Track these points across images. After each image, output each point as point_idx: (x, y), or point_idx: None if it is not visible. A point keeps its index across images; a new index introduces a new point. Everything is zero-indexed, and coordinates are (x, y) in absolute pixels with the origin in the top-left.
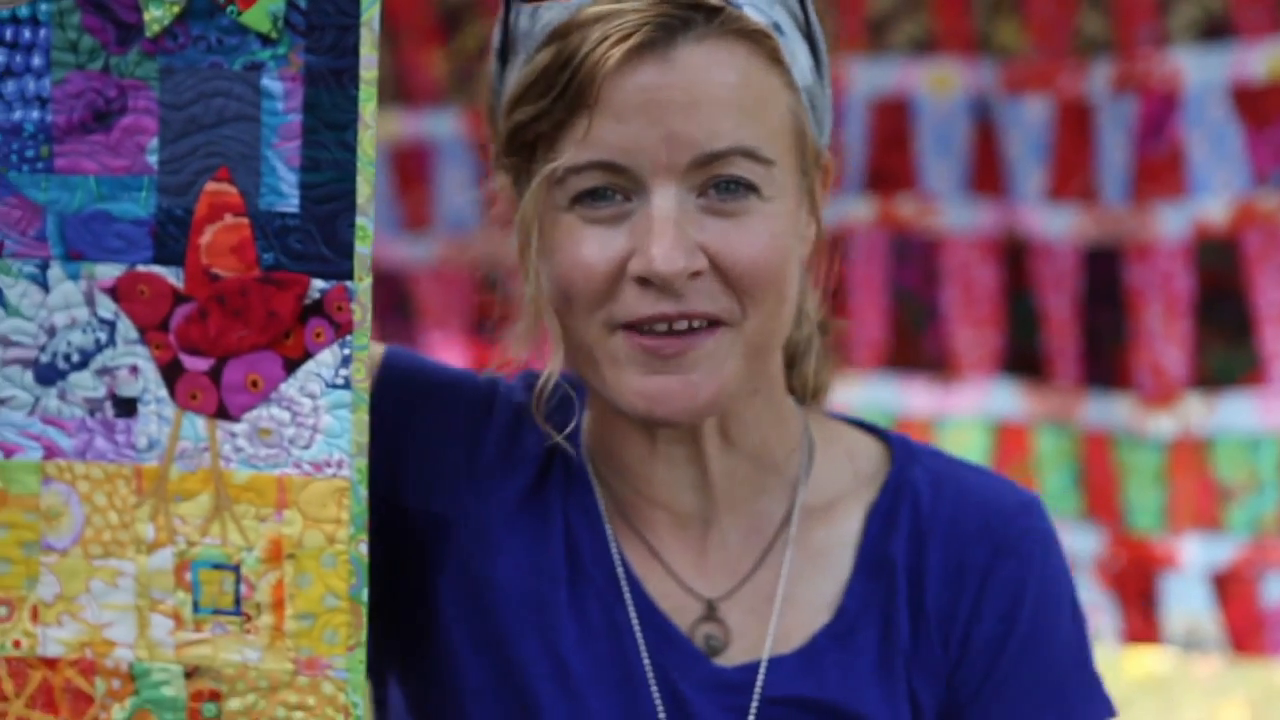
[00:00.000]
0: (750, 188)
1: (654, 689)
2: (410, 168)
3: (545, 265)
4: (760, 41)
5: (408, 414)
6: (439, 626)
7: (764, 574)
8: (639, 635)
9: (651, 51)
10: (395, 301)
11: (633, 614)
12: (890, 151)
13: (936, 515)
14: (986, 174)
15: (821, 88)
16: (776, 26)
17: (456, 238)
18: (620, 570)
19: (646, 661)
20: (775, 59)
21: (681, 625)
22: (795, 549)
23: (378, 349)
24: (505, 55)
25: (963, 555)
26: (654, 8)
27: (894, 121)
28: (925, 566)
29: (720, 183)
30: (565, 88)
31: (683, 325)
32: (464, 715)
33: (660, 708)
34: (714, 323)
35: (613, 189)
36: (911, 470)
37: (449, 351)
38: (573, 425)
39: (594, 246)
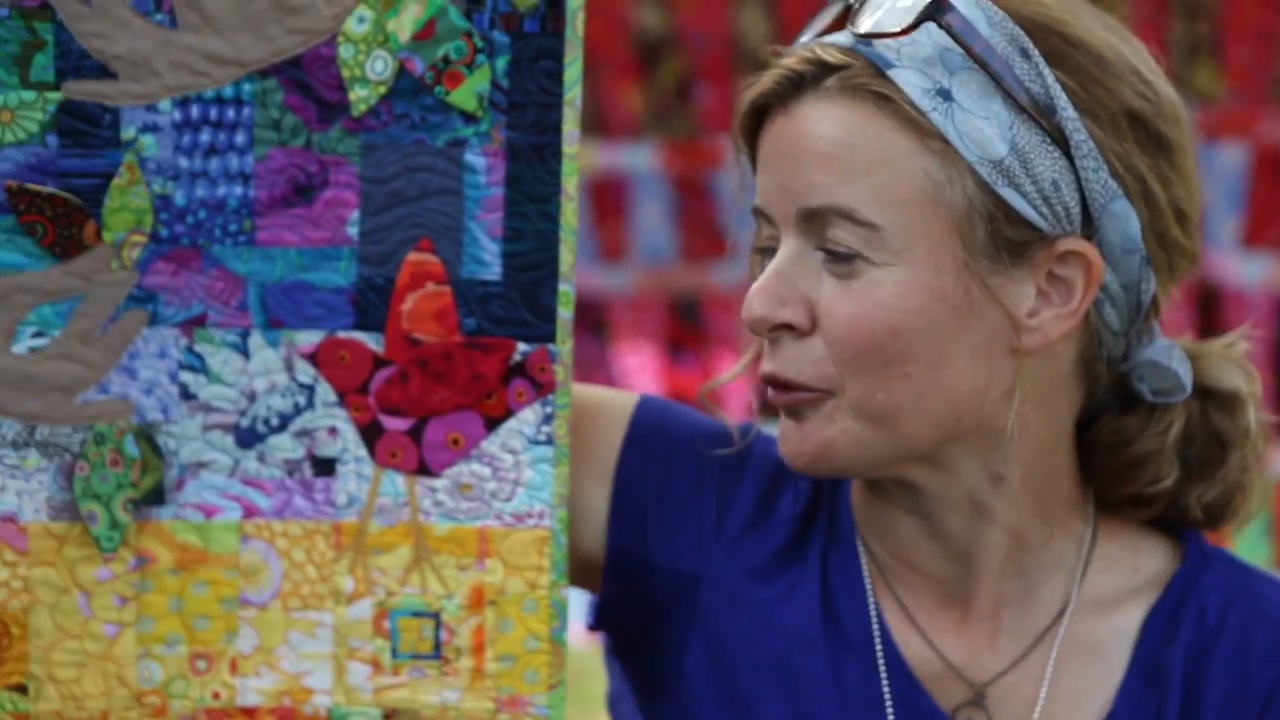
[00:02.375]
0: (852, 256)
1: None
2: (607, 200)
3: None
4: (883, 103)
5: (657, 469)
6: (684, 682)
7: (1032, 664)
8: (894, 708)
9: (780, 104)
10: (591, 327)
11: (888, 682)
12: None
13: (1225, 628)
14: None
15: (1049, 161)
16: (940, 93)
17: (652, 267)
18: (878, 635)
19: None
20: (908, 120)
21: (943, 703)
22: (1066, 642)
23: (628, 400)
24: None
25: (1248, 674)
26: (795, 65)
27: None
28: (1206, 681)
29: (829, 245)
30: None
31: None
32: None
33: None
34: (819, 392)
35: (773, 244)
36: (1202, 576)
37: (642, 376)
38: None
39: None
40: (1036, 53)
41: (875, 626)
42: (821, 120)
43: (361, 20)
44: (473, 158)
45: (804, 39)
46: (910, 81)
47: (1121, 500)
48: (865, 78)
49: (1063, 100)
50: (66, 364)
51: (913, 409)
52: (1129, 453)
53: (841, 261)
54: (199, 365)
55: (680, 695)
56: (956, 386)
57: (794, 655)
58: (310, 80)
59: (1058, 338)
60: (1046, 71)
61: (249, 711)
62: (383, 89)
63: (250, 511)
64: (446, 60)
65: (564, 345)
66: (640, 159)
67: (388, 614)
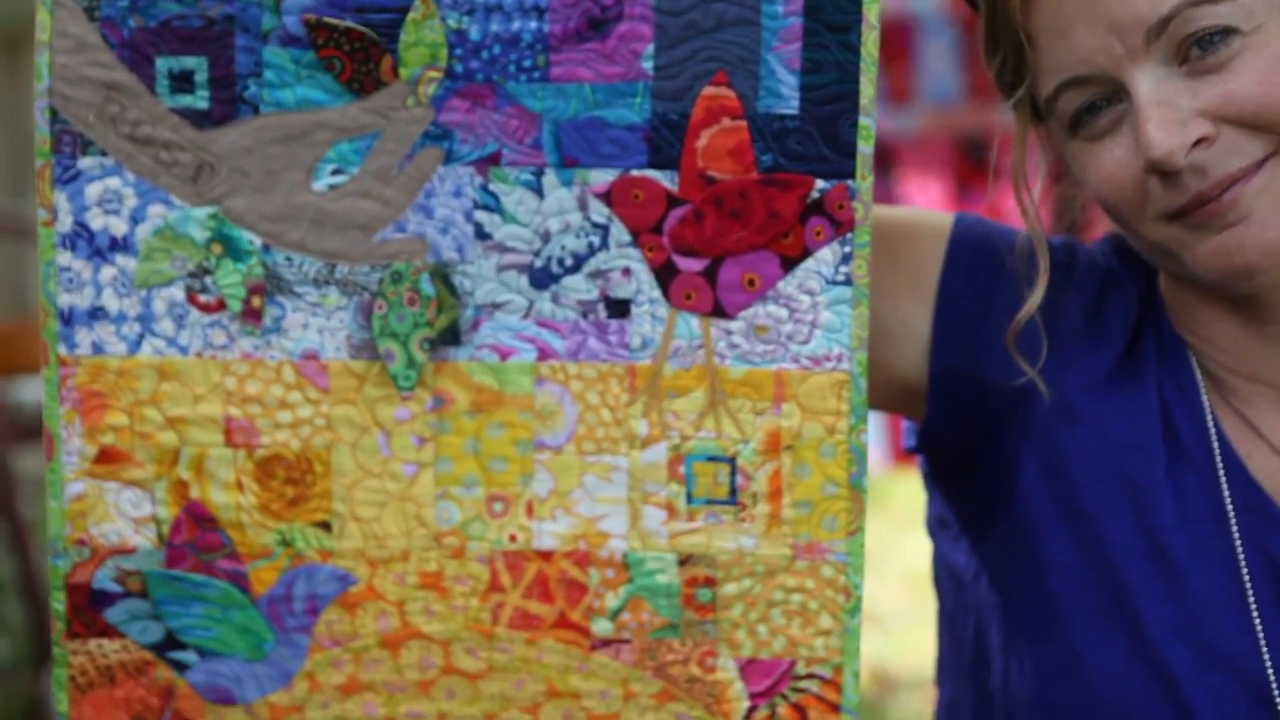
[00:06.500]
0: (1225, 31)
1: (1251, 573)
2: (893, 43)
3: (1086, 186)
4: None
5: (981, 285)
6: (1019, 498)
7: None
8: (1238, 518)
9: None
10: (879, 168)
11: (1230, 495)
12: None
13: None
14: None
15: None
16: None
17: (938, 109)
18: (1217, 447)
19: (1239, 544)
20: None
21: None
22: None
23: (944, 219)
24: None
25: None
26: None
27: None
28: None
29: (1192, 43)
30: (1000, 36)
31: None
32: (1049, 589)
33: (1254, 593)
34: (1260, 162)
35: (1098, 99)
36: None
37: None
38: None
39: (1108, 161)
40: None
41: (1214, 439)
42: None
43: None
44: None
45: None
46: None
47: None
48: None
49: None
50: (364, 201)
51: None
52: None
53: (1217, 47)
54: (494, 204)
55: (1015, 512)
56: None
57: (1134, 468)
58: None
59: None
60: None
61: (545, 555)
62: None
63: (545, 353)
64: None
65: (864, 181)
66: (925, 2)
67: (683, 459)
